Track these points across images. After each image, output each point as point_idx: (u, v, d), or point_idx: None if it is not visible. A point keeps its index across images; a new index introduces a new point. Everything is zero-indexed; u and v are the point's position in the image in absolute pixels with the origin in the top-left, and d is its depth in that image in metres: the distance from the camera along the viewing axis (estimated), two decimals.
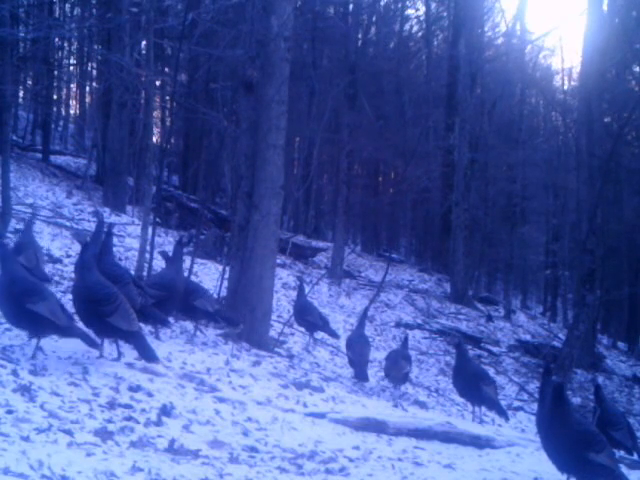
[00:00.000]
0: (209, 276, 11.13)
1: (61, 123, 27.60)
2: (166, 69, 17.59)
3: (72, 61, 24.18)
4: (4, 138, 9.15)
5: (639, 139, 21.10)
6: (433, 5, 25.99)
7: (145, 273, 8.49)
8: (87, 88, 25.97)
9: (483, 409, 7.45)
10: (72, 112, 30.58)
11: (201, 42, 11.88)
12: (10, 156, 9.66)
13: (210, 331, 7.62)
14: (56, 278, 7.77)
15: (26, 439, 3.47)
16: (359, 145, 18.80)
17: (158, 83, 15.01)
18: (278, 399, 5.52)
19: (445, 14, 25.52)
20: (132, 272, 8.93)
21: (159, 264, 9.84)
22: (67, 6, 21.13)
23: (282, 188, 7.99)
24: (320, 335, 9.36)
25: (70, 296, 5.75)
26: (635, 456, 6.55)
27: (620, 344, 21.53)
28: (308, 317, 8.91)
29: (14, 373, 4.36)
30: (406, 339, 8.83)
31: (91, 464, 3.36)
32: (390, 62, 23.26)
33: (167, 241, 12.40)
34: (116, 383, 4.73)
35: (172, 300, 6.61)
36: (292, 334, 9.38)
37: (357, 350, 8.09)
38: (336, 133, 17.78)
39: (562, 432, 4.42)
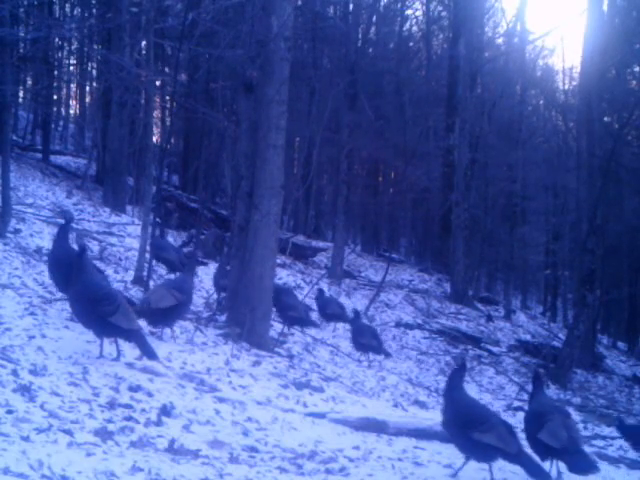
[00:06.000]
0: (209, 276, 11.11)
1: (61, 123, 27.63)
2: (166, 69, 17.59)
3: (72, 61, 24.17)
4: (4, 138, 9.15)
5: (639, 139, 21.09)
6: (433, 5, 25.98)
7: (145, 273, 8.50)
8: (87, 88, 26.02)
9: None
10: (72, 112, 30.62)
11: (201, 42, 11.87)
12: (10, 156, 9.66)
13: (210, 331, 7.62)
14: None
15: (26, 439, 3.47)
16: (359, 145, 18.80)
17: (158, 83, 15.03)
18: (278, 399, 5.52)
19: (445, 14, 25.51)
20: (132, 272, 9.00)
21: (159, 264, 9.87)
22: (67, 6, 21.15)
23: (282, 188, 7.99)
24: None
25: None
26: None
27: (620, 344, 21.55)
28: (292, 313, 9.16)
29: (14, 373, 4.36)
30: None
31: (91, 464, 3.36)
32: (390, 62, 23.24)
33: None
34: (116, 383, 4.73)
35: (186, 306, 6.86)
36: (292, 334, 9.38)
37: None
38: (336, 133, 17.77)
39: (450, 411, 4.52)
